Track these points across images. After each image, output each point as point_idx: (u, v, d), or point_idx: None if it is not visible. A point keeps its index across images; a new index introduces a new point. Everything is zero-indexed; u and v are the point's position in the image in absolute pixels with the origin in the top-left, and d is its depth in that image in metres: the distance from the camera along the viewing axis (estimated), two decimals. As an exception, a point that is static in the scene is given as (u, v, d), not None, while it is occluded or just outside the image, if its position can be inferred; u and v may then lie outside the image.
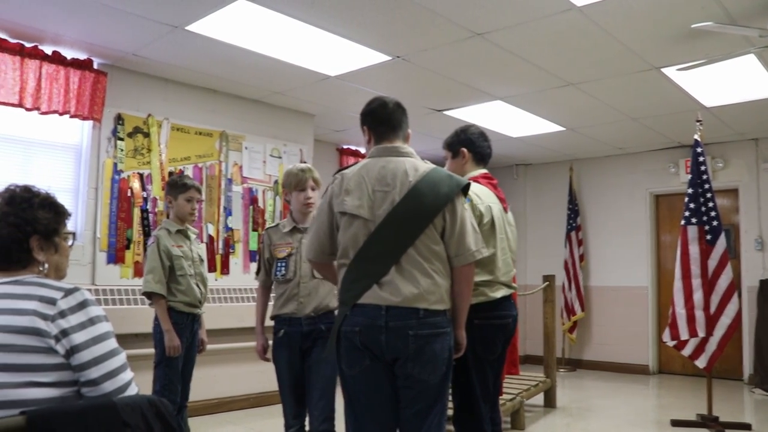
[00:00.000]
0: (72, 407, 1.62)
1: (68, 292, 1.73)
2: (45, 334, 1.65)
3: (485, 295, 3.11)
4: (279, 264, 3.45)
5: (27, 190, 1.89)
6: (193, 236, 4.25)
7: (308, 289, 3.39)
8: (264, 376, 6.17)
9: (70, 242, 1.99)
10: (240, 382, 6.00)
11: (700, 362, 5.57)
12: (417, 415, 2.52)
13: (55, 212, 1.91)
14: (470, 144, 3.40)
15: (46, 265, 1.88)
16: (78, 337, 1.68)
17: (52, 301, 1.70)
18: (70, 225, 2.02)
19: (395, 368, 2.50)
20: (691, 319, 5.48)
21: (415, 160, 2.67)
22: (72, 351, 1.67)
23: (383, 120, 2.73)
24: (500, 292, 3.19)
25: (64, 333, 1.67)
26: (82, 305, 1.73)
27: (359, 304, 2.49)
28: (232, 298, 5.96)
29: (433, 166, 2.66)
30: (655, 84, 5.77)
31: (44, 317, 1.67)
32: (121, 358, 1.77)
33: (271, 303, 3.56)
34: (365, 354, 2.49)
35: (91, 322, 1.73)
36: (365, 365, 2.50)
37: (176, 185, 4.11)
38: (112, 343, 1.77)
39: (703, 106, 6.45)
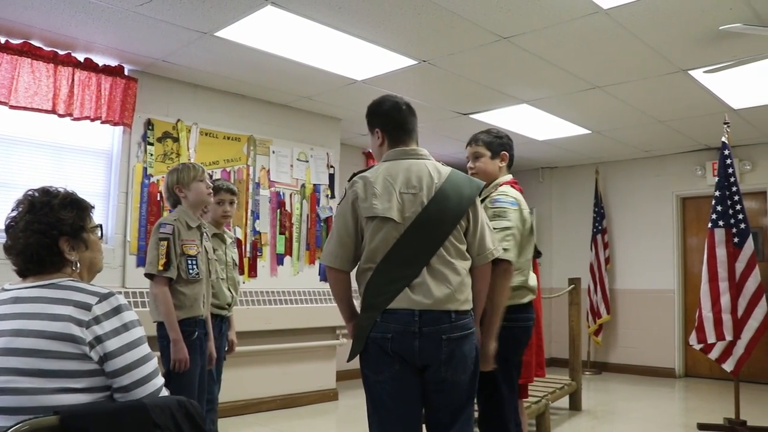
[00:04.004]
0: (104, 408, 1.66)
1: (103, 297, 1.75)
2: (79, 341, 1.67)
3: (514, 300, 3.16)
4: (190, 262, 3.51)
5: (45, 192, 1.88)
6: (228, 240, 4.30)
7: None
8: (291, 378, 6.24)
9: (99, 234, 1.98)
10: (267, 383, 6.06)
11: (728, 366, 5.52)
12: (448, 417, 2.53)
13: (78, 209, 1.90)
14: (509, 149, 3.44)
15: (79, 265, 1.89)
16: (111, 344, 1.70)
17: (87, 307, 1.71)
18: (100, 225, 2.01)
19: (426, 374, 2.49)
20: (718, 323, 5.44)
21: (434, 162, 2.69)
22: (105, 357, 1.69)
23: (399, 124, 2.72)
24: (527, 298, 3.27)
25: (98, 340, 1.69)
26: (117, 310, 1.75)
27: (390, 310, 2.46)
28: (259, 300, 6.02)
29: (451, 168, 2.69)
30: (682, 86, 5.75)
31: (79, 323, 1.68)
32: (152, 363, 1.79)
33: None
34: (395, 359, 2.46)
35: (125, 327, 1.75)
36: (394, 370, 2.47)
37: None
38: (144, 349, 1.78)
39: (731, 108, 6.40)
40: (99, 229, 1.99)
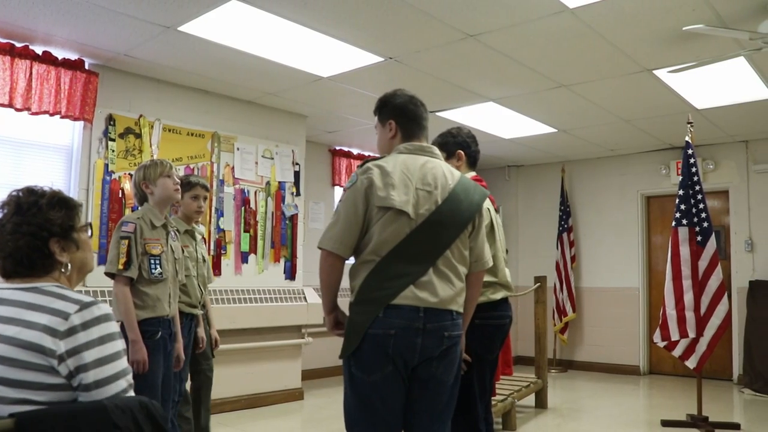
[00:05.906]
0: (62, 409, 1.60)
1: (84, 306, 1.67)
2: (48, 353, 1.59)
3: (486, 296, 3.15)
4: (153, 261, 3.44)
5: (31, 192, 1.80)
6: (198, 237, 4.22)
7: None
8: (256, 378, 6.17)
9: (89, 233, 1.92)
10: (232, 383, 5.98)
11: (691, 363, 5.59)
12: (431, 418, 2.52)
13: (66, 208, 1.82)
14: (466, 147, 3.41)
15: (69, 266, 1.81)
16: (85, 357, 1.63)
17: (65, 316, 1.64)
18: (90, 223, 1.96)
19: (419, 370, 2.46)
20: (681, 320, 5.50)
21: (446, 163, 2.69)
22: (77, 370, 1.62)
23: (414, 118, 2.72)
24: (500, 294, 3.26)
25: (71, 353, 1.61)
26: (97, 321, 1.67)
27: (393, 305, 2.40)
28: (223, 299, 5.94)
29: (460, 173, 2.69)
30: (646, 86, 5.79)
31: (53, 333, 1.61)
32: (125, 380, 1.72)
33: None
34: (389, 359, 2.41)
35: (102, 341, 1.66)
36: (387, 371, 2.42)
37: (181, 184, 4.04)
38: (119, 365, 1.70)
39: (694, 108, 6.48)
40: (89, 227, 1.93)
